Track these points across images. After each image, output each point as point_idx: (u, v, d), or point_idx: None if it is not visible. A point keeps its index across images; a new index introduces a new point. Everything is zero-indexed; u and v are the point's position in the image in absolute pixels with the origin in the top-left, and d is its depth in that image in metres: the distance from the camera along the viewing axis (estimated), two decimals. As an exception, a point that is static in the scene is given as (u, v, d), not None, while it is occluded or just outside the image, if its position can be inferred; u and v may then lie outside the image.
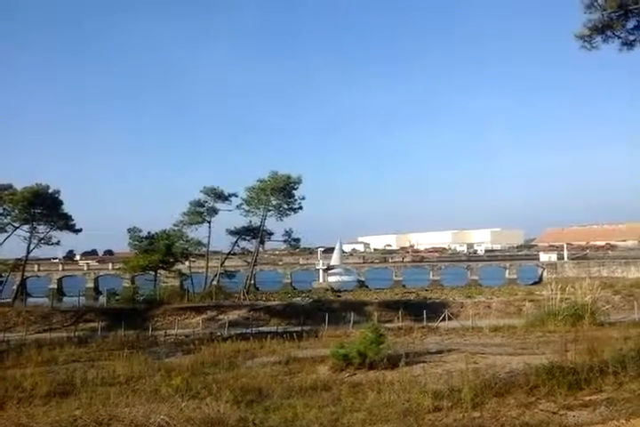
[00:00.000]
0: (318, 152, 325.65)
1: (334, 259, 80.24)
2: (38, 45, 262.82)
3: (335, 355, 19.60)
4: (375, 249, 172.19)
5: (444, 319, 37.18)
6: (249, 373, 19.49)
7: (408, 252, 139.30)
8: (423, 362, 19.83)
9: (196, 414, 7.55)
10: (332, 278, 76.07)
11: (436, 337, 31.75)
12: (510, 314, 41.07)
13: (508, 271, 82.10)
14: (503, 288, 63.69)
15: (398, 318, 37.97)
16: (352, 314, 38.18)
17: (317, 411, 10.80)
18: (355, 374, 18.29)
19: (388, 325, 32.91)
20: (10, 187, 52.24)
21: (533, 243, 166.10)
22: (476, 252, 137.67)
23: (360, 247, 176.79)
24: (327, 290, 68.21)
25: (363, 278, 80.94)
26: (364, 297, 55.89)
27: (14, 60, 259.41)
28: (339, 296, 58.00)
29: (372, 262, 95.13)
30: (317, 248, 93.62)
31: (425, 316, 37.24)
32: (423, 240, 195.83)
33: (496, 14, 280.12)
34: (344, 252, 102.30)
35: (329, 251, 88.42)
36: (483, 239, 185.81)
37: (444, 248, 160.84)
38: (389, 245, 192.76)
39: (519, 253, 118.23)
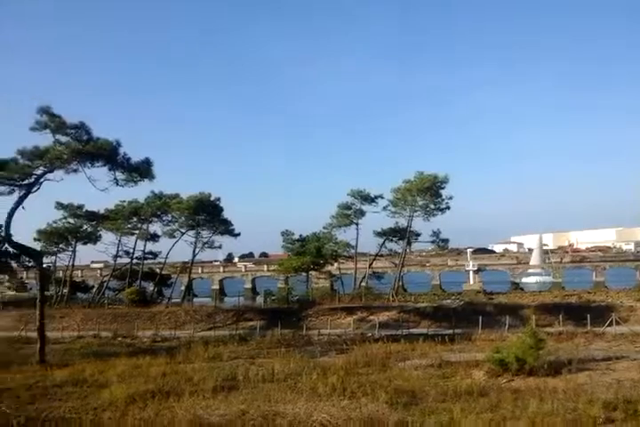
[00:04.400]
0: (469, 148, 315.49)
1: (534, 258, 77.54)
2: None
3: (491, 360, 18.94)
4: (529, 249, 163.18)
5: (610, 324, 34.32)
6: (402, 374, 19.47)
7: (567, 251, 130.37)
8: (589, 370, 18.51)
9: (356, 413, 7.70)
10: (529, 279, 73.69)
11: (602, 343, 29.44)
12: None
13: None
14: (681, 291, 57.05)
15: (558, 322, 35.72)
16: (507, 317, 36.62)
17: (475, 417, 10.51)
18: (512, 380, 17.54)
19: (547, 329, 31.13)
20: (177, 196, 57.22)
21: None
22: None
23: (513, 247, 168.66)
24: (479, 292, 65.90)
25: (517, 280, 77.27)
26: (519, 300, 53.06)
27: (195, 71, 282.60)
28: (491, 299, 55.75)
29: (526, 263, 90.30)
30: (466, 249, 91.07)
31: (589, 320, 34.66)
32: (583, 238, 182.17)
33: None
34: (494, 252, 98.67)
35: (479, 251, 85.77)
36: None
37: (608, 247, 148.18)
38: (546, 245, 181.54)
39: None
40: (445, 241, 59.41)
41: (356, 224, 57.68)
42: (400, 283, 58.87)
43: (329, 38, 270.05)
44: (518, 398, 13.45)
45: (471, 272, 75.97)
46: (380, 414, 7.97)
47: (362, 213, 57.51)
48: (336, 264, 61.10)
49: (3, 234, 35.67)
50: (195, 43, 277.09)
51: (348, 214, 57.45)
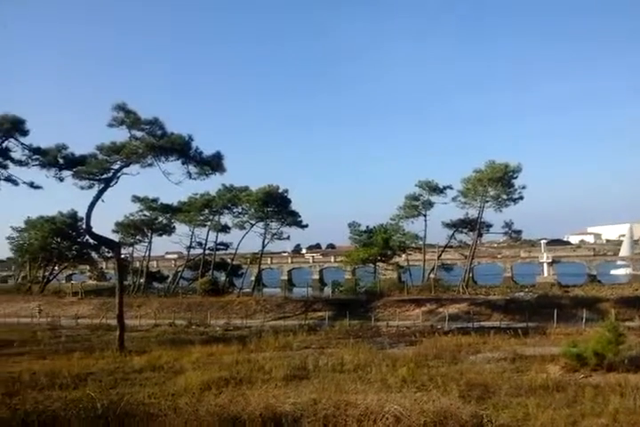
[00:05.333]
0: (544, 138, 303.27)
1: (624, 249, 74.65)
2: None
3: (567, 354, 18.25)
4: (607, 240, 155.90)
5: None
6: (473, 368, 19.11)
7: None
8: (674, 367, 17.51)
9: (429, 406, 7.64)
10: (619, 271, 71.10)
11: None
12: None
13: None
14: None
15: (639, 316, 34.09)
16: (584, 311, 35.25)
17: (552, 412, 10.18)
18: (590, 375, 16.85)
19: (628, 324, 29.69)
20: (246, 189, 58.47)
21: None
22: None
23: (589, 238, 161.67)
24: (553, 285, 63.72)
25: (594, 273, 74.09)
26: (597, 293, 51.01)
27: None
28: (567, 292, 53.86)
29: (604, 255, 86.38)
30: (540, 240, 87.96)
31: (676, 315, 32.91)
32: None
33: None
34: (569, 243, 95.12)
35: (553, 243, 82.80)
36: None
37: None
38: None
39: None
40: (518, 232, 57.89)
41: (424, 215, 57.08)
42: (470, 275, 57.81)
43: (411, 20, 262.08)
44: (597, 394, 12.91)
45: (545, 264, 73.37)
46: (455, 408, 7.86)
47: (430, 204, 56.82)
48: (404, 256, 60.68)
49: (84, 226, 37.55)
50: (278, 20, 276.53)
51: (416, 205, 56.85)
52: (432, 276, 56.69)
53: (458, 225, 57.49)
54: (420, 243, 58.54)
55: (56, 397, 14.34)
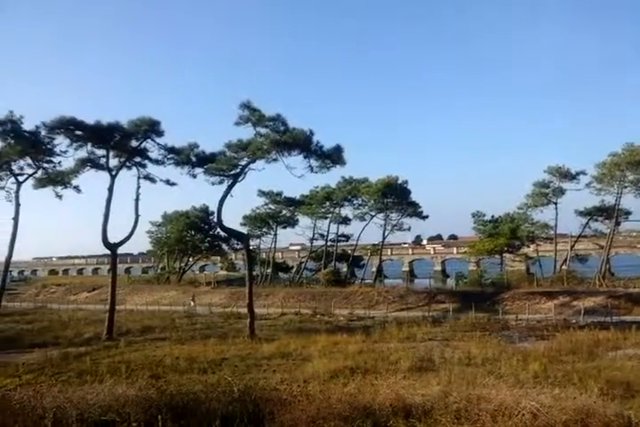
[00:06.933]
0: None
1: None
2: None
3: None
4: None
5: None
6: (613, 364, 17.93)
7: None
8: None
9: (569, 403, 7.26)
10: None
11: None
12: None
13: None
14: None
15: None
16: None
17: None
18: None
19: None
20: (366, 180, 58.80)
21: None
22: None
23: None
24: None
25: None
26: None
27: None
28: None
29: None
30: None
31: None
32: None
33: None
34: None
35: None
36: None
37: None
38: None
39: None
40: (662, 219, 53.01)
41: (555, 203, 53.98)
42: (607, 266, 53.87)
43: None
44: None
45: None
46: (598, 406, 7.40)
47: (561, 192, 53.62)
48: (532, 246, 57.91)
49: (215, 220, 39.74)
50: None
51: (546, 193, 53.92)
52: (564, 267, 53.59)
53: (592, 213, 53.78)
54: (551, 233, 55.53)
55: (196, 380, 15.41)
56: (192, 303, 48.06)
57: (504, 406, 7.04)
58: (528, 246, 57.17)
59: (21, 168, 37.85)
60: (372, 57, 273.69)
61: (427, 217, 60.02)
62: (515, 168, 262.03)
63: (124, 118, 35.15)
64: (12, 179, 38.21)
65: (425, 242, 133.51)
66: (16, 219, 37.88)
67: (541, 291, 42.80)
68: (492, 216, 56.84)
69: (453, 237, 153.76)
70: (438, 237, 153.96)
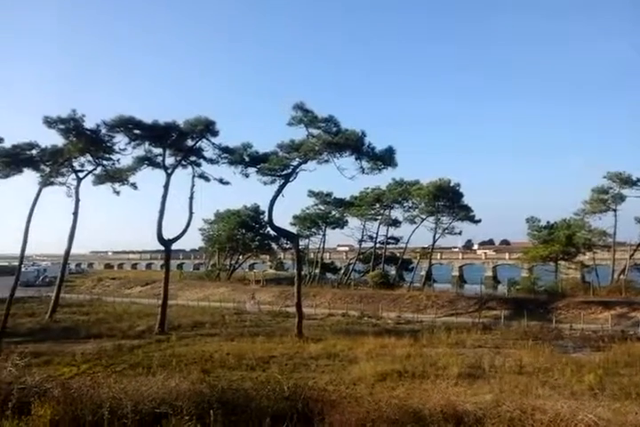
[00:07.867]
0: None
1: None
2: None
3: None
4: None
5: None
6: (675, 380, 17.15)
7: None
8: None
9: (630, 417, 6.98)
10: None
11: None
12: None
13: None
14: None
15: None
16: None
17: None
18: None
19: None
20: (417, 182, 58.24)
21: None
22: None
23: None
24: None
25: None
26: None
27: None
28: None
29: None
30: None
31: None
32: None
33: None
34: None
35: None
36: None
37: None
38: None
39: None
40: None
41: (614, 210, 52.10)
42: (671, 277, 51.57)
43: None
44: None
45: None
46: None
47: (621, 198, 51.71)
48: (589, 254, 56.01)
49: (266, 219, 40.15)
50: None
51: (605, 199, 52.10)
52: (622, 276, 51.62)
53: (655, 221, 51.69)
54: (609, 240, 53.58)
55: (246, 377, 15.65)
56: (252, 301, 48.46)
57: (560, 417, 6.82)
58: (584, 254, 55.36)
59: (82, 165, 39.58)
60: (431, 53, 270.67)
61: (479, 221, 58.83)
62: (573, 174, 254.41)
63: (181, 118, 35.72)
64: (73, 175, 39.89)
65: (476, 247, 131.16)
66: (75, 214, 39.43)
67: (598, 300, 41.35)
68: (548, 222, 55.34)
69: (506, 242, 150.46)
70: (490, 242, 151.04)
